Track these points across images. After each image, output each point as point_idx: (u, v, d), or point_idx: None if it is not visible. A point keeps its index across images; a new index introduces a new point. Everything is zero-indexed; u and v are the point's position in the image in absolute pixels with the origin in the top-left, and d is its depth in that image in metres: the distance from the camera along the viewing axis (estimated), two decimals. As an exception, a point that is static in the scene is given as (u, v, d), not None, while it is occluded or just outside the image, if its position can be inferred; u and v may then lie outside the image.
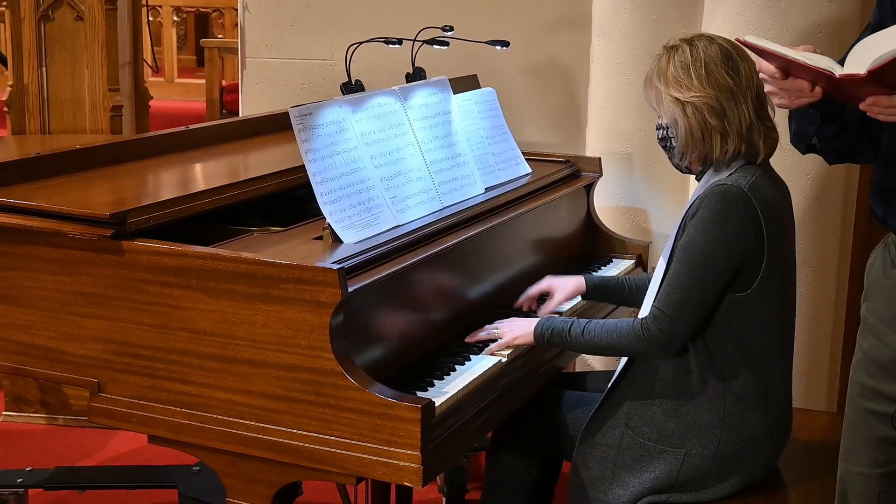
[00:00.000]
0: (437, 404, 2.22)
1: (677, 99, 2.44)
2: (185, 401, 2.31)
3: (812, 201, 3.46)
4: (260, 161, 3.12)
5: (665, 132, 2.51)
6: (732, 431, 2.46)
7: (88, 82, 3.94)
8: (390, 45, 3.00)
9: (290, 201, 2.88)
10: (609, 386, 2.62)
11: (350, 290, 2.17)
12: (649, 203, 3.77)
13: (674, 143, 2.50)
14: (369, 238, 2.47)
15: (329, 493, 3.35)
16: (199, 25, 10.82)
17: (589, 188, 3.45)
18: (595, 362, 3.69)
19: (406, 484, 2.16)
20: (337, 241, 2.43)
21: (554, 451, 2.80)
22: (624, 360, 2.62)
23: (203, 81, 8.65)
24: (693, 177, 3.68)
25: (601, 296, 2.91)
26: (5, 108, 3.99)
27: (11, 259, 2.44)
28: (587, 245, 3.44)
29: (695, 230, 2.39)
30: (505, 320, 2.65)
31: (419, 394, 2.31)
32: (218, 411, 2.28)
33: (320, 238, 2.45)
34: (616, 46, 3.71)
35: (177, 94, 9.25)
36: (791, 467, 2.65)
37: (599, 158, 3.49)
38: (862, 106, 1.91)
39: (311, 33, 4.08)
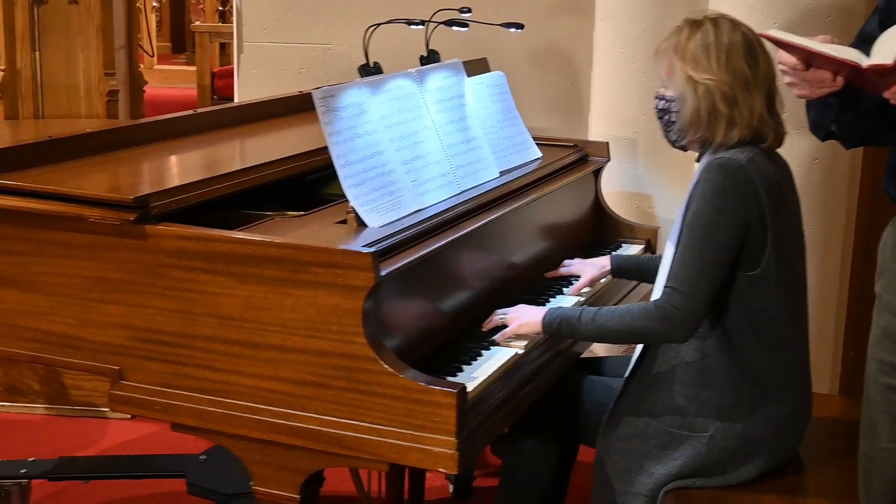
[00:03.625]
0: (468, 389, 2.19)
1: (691, 77, 2.41)
2: (210, 387, 2.27)
3: (819, 187, 3.46)
4: (272, 145, 3.07)
5: (667, 104, 2.49)
6: (756, 413, 2.45)
7: (83, 67, 3.87)
8: (412, 27, 2.96)
9: (300, 186, 2.85)
10: (626, 375, 2.60)
11: (382, 273, 2.14)
12: (653, 188, 3.76)
13: (674, 118, 2.48)
14: (393, 222, 2.44)
15: (341, 481, 3.31)
16: (175, 11, 10.71)
17: (597, 173, 3.44)
18: (599, 349, 3.68)
19: (441, 470, 2.13)
20: (362, 224, 2.39)
21: (573, 436, 2.78)
22: (639, 348, 2.61)
23: (182, 67, 8.59)
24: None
25: (628, 274, 2.92)
26: (-2, 94, 3.92)
27: (27, 244, 2.38)
28: (596, 230, 3.43)
29: (698, 204, 2.38)
30: (514, 308, 2.60)
31: (449, 379, 2.28)
32: (244, 398, 2.24)
33: (344, 222, 2.42)
34: (620, 30, 3.69)
35: (156, 80, 9.13)
36: (810, 450, 2.64)
37: (607, 143, 3.47)
38: (887, 94, 1.92)
39: (309, 17, 4.03)
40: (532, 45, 3.92)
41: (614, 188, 3.73)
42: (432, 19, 3.05)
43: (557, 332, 2.52)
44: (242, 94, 4.15)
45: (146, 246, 2.27)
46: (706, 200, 2.36)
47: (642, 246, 3.38)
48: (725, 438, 2.44)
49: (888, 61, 1.83)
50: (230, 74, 4.25)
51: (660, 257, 2.86)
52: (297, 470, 2.25)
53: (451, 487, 3.55)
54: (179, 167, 2.80)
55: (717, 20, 2.45)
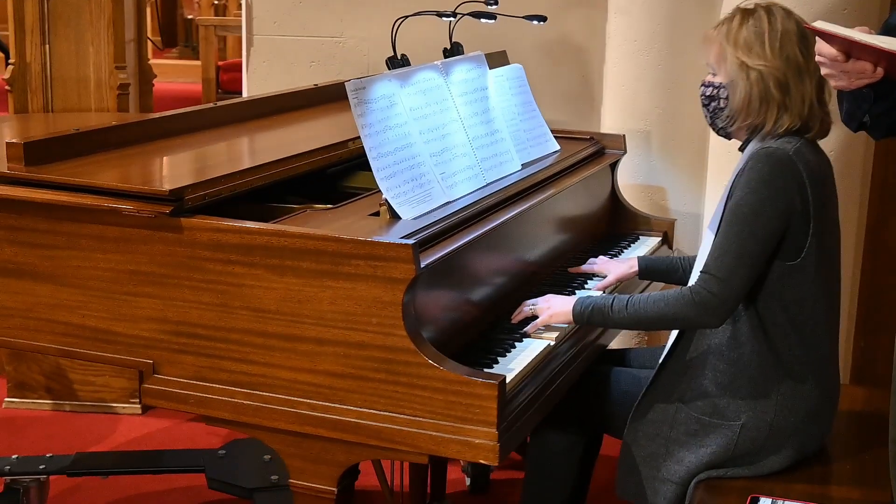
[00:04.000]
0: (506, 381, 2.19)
1: (744, 63, 2.42)
2: (246, 381, 2.26)
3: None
4: (295, 137, 3.06)
5: (715, 91, 2.49)
6: (787, 403, 2.46)
7: (94, 60, 3.84)
8: (443, 18, 2.96)
9: (320, 179, 2.84)
10: (660, 362, 2.61)
11: (422, 265, 2.14)
12: (667, 181, 3.77)
13: (722, 105, 2.48)
14: (425, 214, 2.43)
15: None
16: (166, 4, 10.64)
17: (613, 166, 3.44)
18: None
19: (482, 462, 2.13)
20: (395, 217, 2.38)
21: (598, 428, 2.79)
22: (674, 335, 2.61)
23: (176, 61, 8.53)
24: (710, 153, 3.71)
25: (655, 275, 2.91)
26: (7, 87, 3.87)
27: (59, 238, 2.37)
28: (613, 222, 3.43)
29: (742, 192, 2.38)
30: (542, 298, 2.61)
31: (485, 371, 2.28)
32: (281, 391, 2.23)
33: (376, 214, 2.41)
34: (634, 23, 3.69)
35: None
36: (837, 440, 2.66)
37: (623, 136, 3.48)
38: None
39: (320, 10, 4.02)
40: (544, 37, 3.91)
41: (627, 181, 3.73)
42: (456, 11, 3.04)
43: (588, 321, 2.52)
44: (251, 87, 4.13)
45: (181, 239, 2.26)
46: (750, 189, 2.36)
47: (660, 238, 3.39)
48: (756, 428, 2.45)
49: None
50: (235, 68, 4.25)
51: (687, 259, 2.88)
52: (335, 463, 2.24)
53: (467, 481, 3.55)
54: (207, 160, 2.78)
55: (770, 8, 2.46)
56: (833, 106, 2.45)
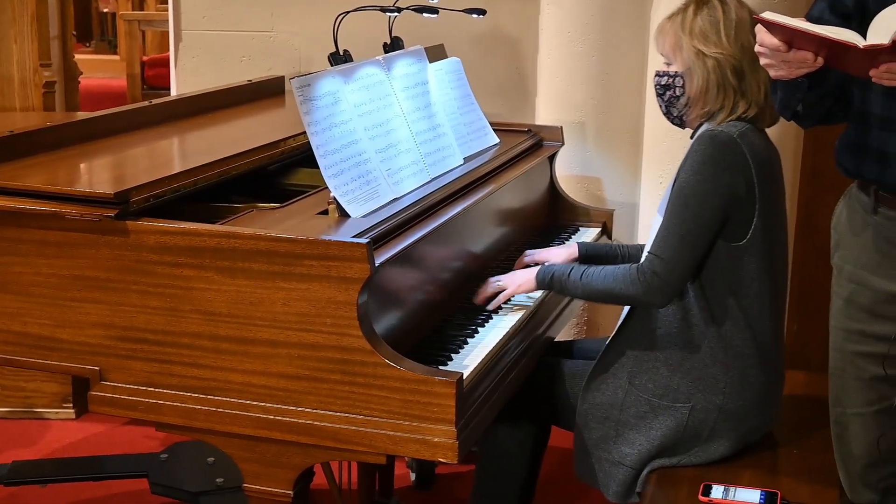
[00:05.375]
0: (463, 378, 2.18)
1: (700, 51, 2.46)
2: (197, 385, 2.22)
3: (768, 165, 3.52)
4: (236, 135, 3.02)
5: (671, 80, 2.52)
6: (735, 386, 2.49)
7: (17, 57, 3.73)
8: (387, 13, 2.93)
9: (261, 177, 2.81)
10: (608, 343, 2.63)
11: (376, 264, 2.12)
12: (603, 171, 3.79)
13: (678, 93, 2.51)
14: (374, 212, 2.41)
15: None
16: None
17: (551, 158, 3.45)
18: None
19: (441, 460, 2.12)
20: (343, 215, 2.36)
21: (548, 421, 2.80)
22: (624, 313, 2.64)
23: (91, 56, 8.35)
24: (645, 144, 3.74)
25: (595, 261, 2.92)
26: (-74, 87, 3.76)
27: (-2, 243, 2.30)
28: (553, 214, 3.44)
29: (685, 174, 2.42)
30: (505, 274, 2.70)
31: (441, 368, 2.27)
32: (234, 395, 2.20)
33: (325, 213, 2.38)
34: (567, 15, 3.71)
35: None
36: (781, 425, 2.70)
37: (561, 127, 3.48)
38: (873, 73, 1.97)
39: (250, 4, 3.97)
40: (477, 30, 3.90)
41: (563, 171, 3.74)
42: (396, 6, 3.02)
43: (549, 287, 2.63)
44: (181, 83, 4.06)
45: (127, 242, 2.21)
46: (693, 171, 2.40)
47: (599, 229, 3.41)
48: (706, 410, 2.48)
49: (885, 41, 1.88)
50: (161, 63, 4.16)
51: (626, 247, 2.92)
52: (290, 466, 2.22)
53: (412, 476, 3.54)
54: (150, 160, 2.73)
55: None
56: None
